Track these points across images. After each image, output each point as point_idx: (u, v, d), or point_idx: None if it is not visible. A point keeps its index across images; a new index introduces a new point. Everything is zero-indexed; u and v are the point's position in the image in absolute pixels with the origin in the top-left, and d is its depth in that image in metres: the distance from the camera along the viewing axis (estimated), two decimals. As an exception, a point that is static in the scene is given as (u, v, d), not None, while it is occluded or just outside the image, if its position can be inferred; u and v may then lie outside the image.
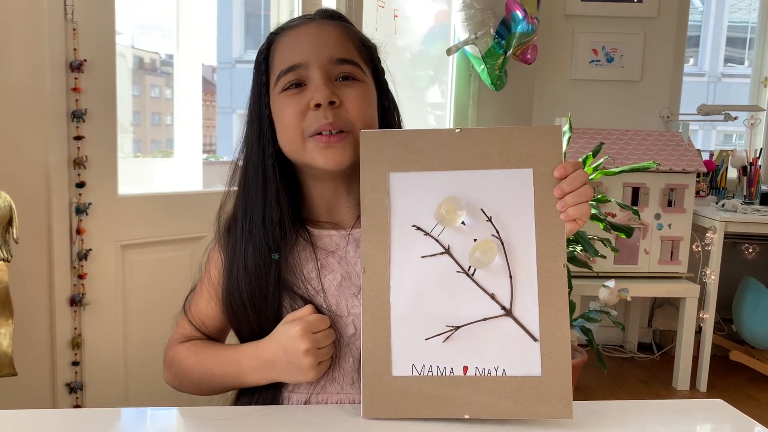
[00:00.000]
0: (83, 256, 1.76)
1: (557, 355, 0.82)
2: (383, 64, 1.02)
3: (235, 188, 1.00)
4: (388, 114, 1.01)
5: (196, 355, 1.01)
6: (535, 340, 0.83)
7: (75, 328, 1.77)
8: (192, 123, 2.53)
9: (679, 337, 2.92)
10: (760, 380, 3.02)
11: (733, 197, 3.24)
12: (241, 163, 1.00)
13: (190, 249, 2.01)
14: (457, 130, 0.86)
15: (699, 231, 2.93)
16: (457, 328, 0.84)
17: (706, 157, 3.30)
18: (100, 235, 1.79)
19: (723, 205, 3.02)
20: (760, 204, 3.13)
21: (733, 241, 3.31)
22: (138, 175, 2.47)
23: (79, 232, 1.75)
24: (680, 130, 2.98)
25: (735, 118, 3.22)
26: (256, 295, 0.94)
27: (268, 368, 0.92)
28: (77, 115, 1.70)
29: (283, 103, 0.94)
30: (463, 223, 0.85)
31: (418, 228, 0.85)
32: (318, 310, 0.94)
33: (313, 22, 0.97)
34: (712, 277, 2.83)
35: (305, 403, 0.95)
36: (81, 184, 1.74)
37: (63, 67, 1.68)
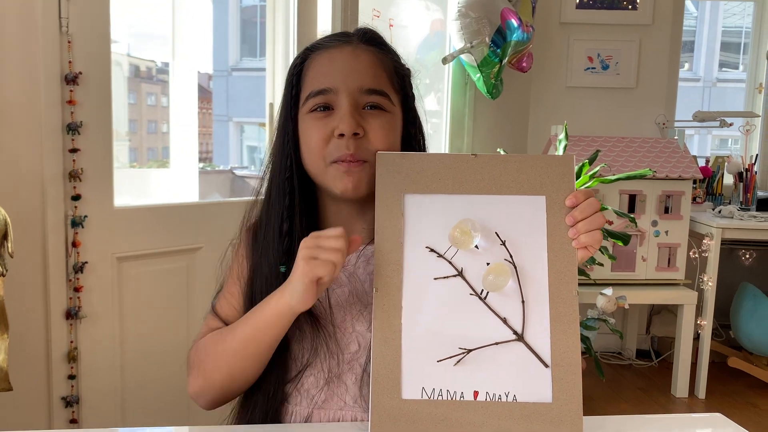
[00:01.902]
0: (79, 268, 1.75)
1: (568, 381, 0.81)
2: (415, 90, 1.03)
3: (262, 197, 1.03)
4: (413, 142, 1.02)
5: (220, 333, 0.96)
6: (546, 366, 0.82)
7: (71, 342, 1.76)
8: (188, 132, 2.53)
9: (678, 345, 2.92)
10: (758, 386, 3.02)
11: (730, 203, 3.25)
12: (269, 171, 1.02)
13: (187, 261, 2.00)
14: (472, 156, 0.87)
15: (696, 237, 2.93)
16: (469, 351, 0.83)
17: (702, 163, 3.31)
18: (96, 247, 1.78)
19: (720, 212, 3.02)
20: (757, 210, 3.14)
21: (729, 248, 3.32)
22: (134, 186, 2.46)
23: (74, 244, 1.74)
24: (676, 137, 2.99)
25: (730, 125, 3.23)
26: None
27: (283, 288, 0.87)
28: (72, 128, 1.70)
29: (309, 125, 0.96)
30: (476, 246, 0.85)
31: (432, 250, 0.86)
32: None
33: (348, 46, 0.98)
34: (710, 283, 2.83)
35: (306, 416, 0.95)
36: (77, 197, 1.72)
37: (58, 79, 1.67)
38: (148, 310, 1.92)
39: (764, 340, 2.97)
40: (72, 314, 1.75)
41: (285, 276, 0.93)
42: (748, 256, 3.33)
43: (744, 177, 3.22)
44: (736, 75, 8.16)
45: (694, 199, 3.06)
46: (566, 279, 0.84)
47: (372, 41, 1.00)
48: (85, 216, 1.74)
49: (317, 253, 0.83)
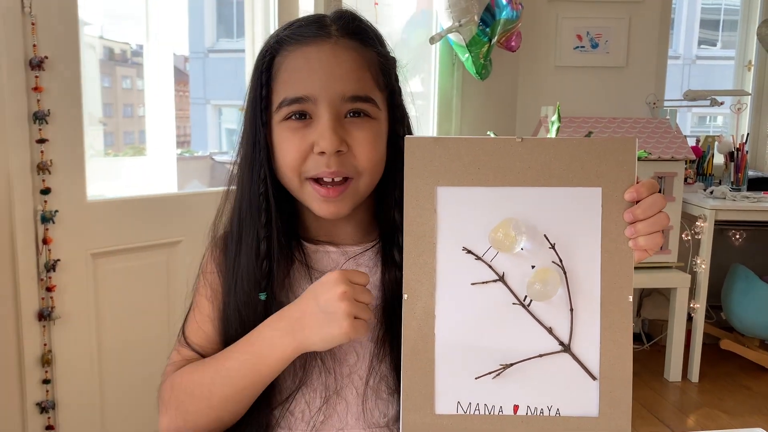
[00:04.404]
0: (51, 267, 1.65)
1: (617, 395, 0.74)
2: (401, 80, 0.91)
3: (234, 187, 0.90)
4: (401, 143, 0.88)
5: (202, 365, 0.86)
6: (593, 378, 0.75)
7: (45, 344, 1.67)
8: (165, 117, 2.43)
9: (670, 328, 2.88)
10: (751, 368, 2.99)
11: (720, 183, 3.20)
12: (236, 172, 0.89)
13: (166, 255, 1.91)
14: (518, 139, 0.76)
15: (687, 219, 2.88)
16: (510, 365, 0.75)
17: (691, 143, 3.25)
18: (69, 243, 1.69)
19: (712, 192, 2.97)
20: (748, 190, 3.10)
21: (720, 228, 3.27)
22: (109, 175, 2.36)
23: (45, 241, 1.64)
24: (668, 117, 2.92)
25: (721, 103, 3.18)
26: (248, 326, 0.84)
27: (296, 328, 0.78)
28: (39, 117, 1.59)
29: (284, 137, 0.84)
30: (521, 248, 0.76)
31: (469, 251, 0.76)
32: None
33: (326, 44, 0.84)
34: (703, 266, 2.78)
35: None
36: (46, 191, 1.63)
37: (22, 65, 1.56)
38: (126, 309, 1.84)
39: (756, 322, 2.95)
40: (45, 315, 1.66)
41: (265, 304, 0.84)
42: (738, 236, 3.29)
43: (735, 156, 3.18)
44: (715, 52, 8.16)
45: (685, 180, 3.00)
46: (620, 284, 0.75)
47: (354, 34, 0.86)
48: (56, 210, 1.65)
49: (359, 310, 0.76)
